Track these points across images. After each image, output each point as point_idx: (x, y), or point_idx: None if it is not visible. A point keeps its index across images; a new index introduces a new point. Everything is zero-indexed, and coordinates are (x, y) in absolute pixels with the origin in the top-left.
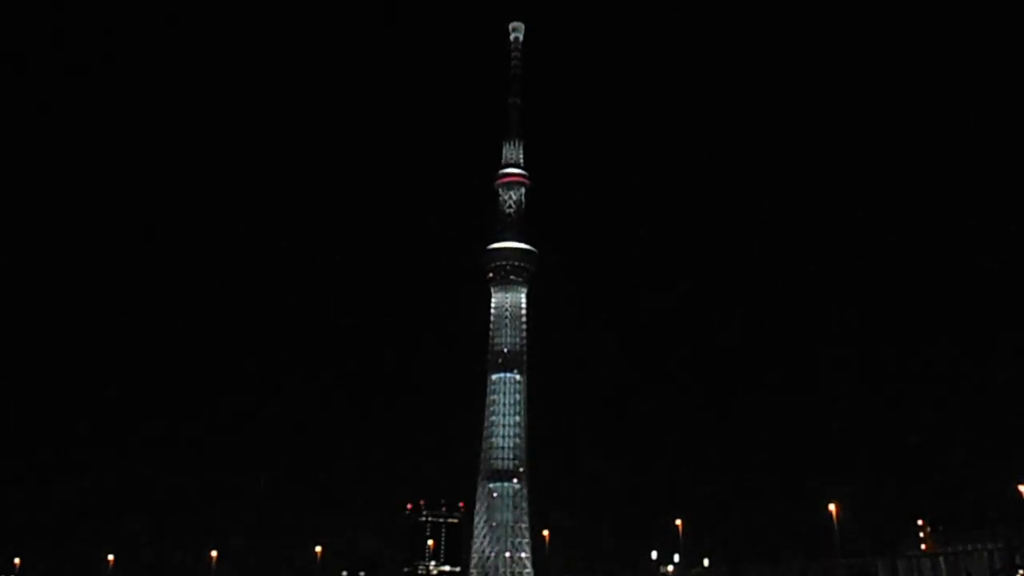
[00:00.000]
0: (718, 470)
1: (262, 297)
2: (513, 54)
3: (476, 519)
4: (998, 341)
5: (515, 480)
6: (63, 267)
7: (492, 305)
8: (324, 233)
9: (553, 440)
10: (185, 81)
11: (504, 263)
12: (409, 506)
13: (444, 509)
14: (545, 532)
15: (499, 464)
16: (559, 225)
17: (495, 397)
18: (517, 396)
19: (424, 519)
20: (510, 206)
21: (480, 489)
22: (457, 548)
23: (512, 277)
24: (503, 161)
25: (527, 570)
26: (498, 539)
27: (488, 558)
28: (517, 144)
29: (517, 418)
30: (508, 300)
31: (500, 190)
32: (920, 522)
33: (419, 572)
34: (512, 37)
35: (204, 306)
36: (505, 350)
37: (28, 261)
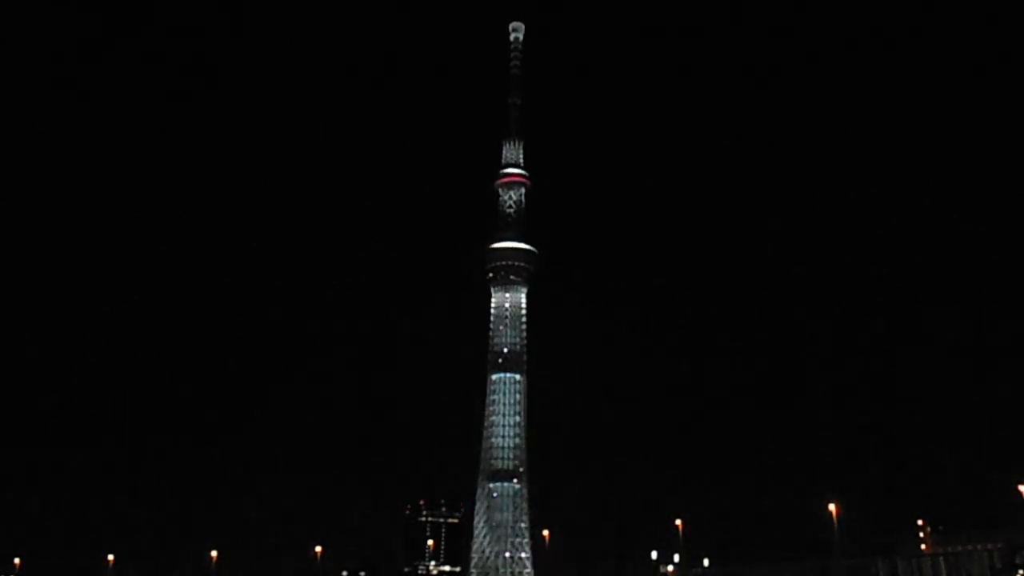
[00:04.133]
0: (718, 470)
1: (263, 297)
2: (513, 54)
3: (476, 519)
4: (998, 341)
5: (515, 480)
6: (62, 269)
7: (492, 305)
8: (324, 233)
9: (553, 440)
10: (185, 82)
11: (504, 263)
12: (409, 506)
13: (444, 509)
14: (545, 532)
15: (499, 464)
16: (559, 225)
17: (495, 397)
18: (517, 396)
19: (424, 519)
20: (510, 206)
21: (480, 489)
22: (457, 548)
23: (512, 277)
24: (503, 161)
25: (527, 570)
26: (498, 539)
27: (488, 558)
28: (517, 144)
29: (517, 418)
30: (508, 300)
31: (500, 190)
32: (920, 522)
33: (419, 572)
34: (512, 37)
35: (204, 307)
36: (505, 350)
37: (27, 262)
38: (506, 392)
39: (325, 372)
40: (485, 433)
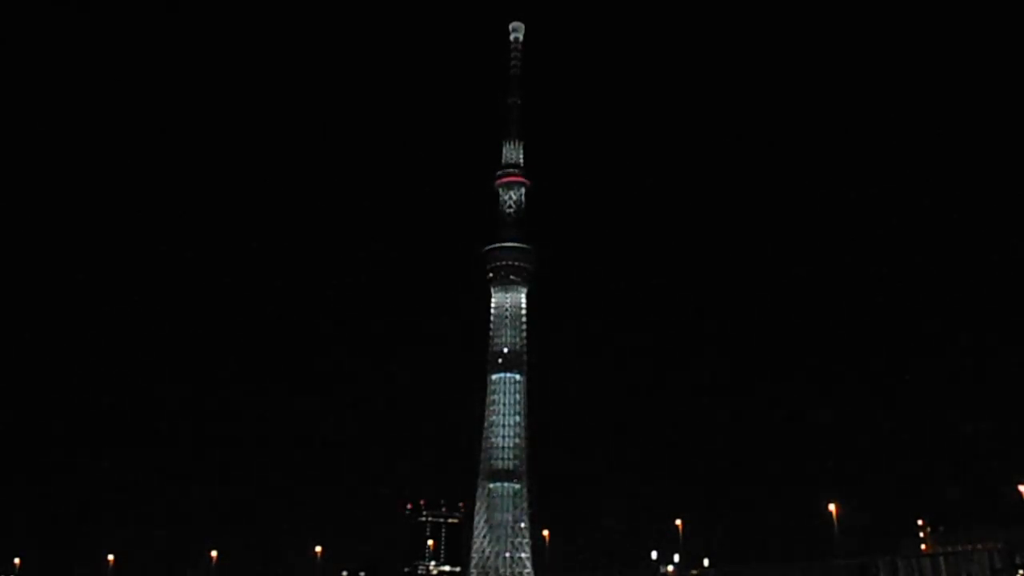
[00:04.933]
0: (718, 470)
1: (263, 297)
2: (513, 54)
3: (476, 519)
4: (998, 340)
5: (515, 480)
6: (63, 269)
7: (492, 305)
8: (324, 233)
9: (553, 440)
10: (184, 81)
11: (504, 263)
12: (409, 506)
13: (444, 509)
14: (545, 532)
15: (499, 464)
16: (559, 225)
17: (495, 397)
18: (517, 396)
19: (424, 519)
20: (510, 206)
21: (480, 489)
22: (457, 548)
23: (512, 277)
24: (503, 161)
25: (527, 570)
26: (498, 539)
27: (488, 558)
28: (517, 144)
29: (517, 418)
30: (508, 300)
31: (500, 190)
32: (920, 522)
33: (419, 572)
34: (512, 37)
35: (204, 306)
36: (505, 350)
37: (27, 262)
38: (506, 392)
39: (325, 372)
40: (485, 433)
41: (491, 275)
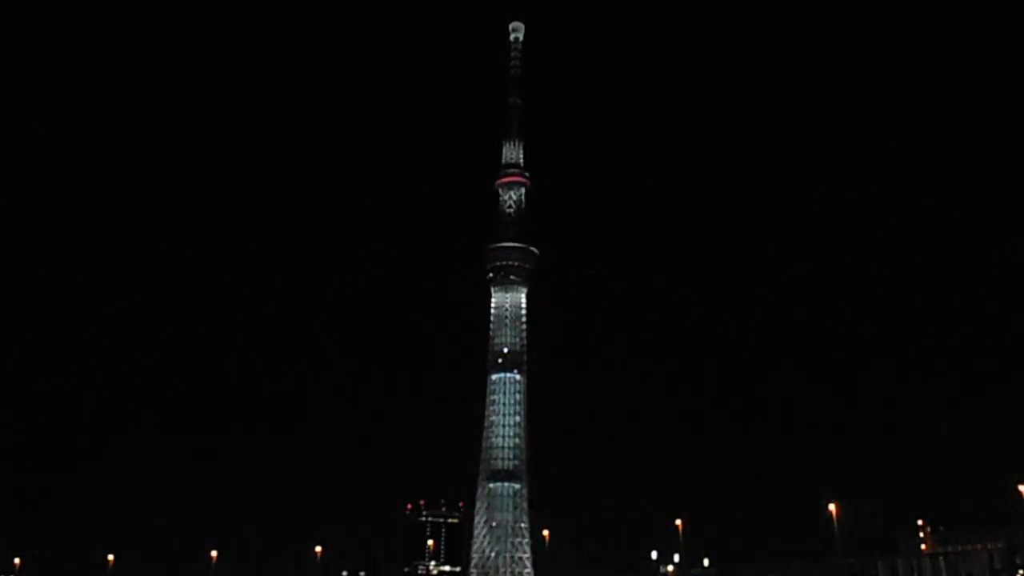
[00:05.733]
0: (718, 470)
1: (263, 297)
2: (513, 54)
3: (476, 519)
4: (998, 340)
5: (515, 480)
6: (63, 269)
7: (492, 305)
8: (324, 233)
9: (553, 440)
10: (184, 81)
11: (504, 263)
12: (409, 506)
13: (444, 509)
14: (545, 532)
15: (499, 464)
16: (559, 225)
17: (495, 397)
18: (517, 396)
19: (424, 519)
20: (510, 206)
21: (480, 489)
22: (457, 548)
23: (512, 277)
24: (503, 161)
25: (527, 570)
26: (498, 539)
27: (488, 558)
28: (517, 144)
29: (517, 418)
30: (508, 300)
31: (500, 190)
32: (920, 522)
33: (419, 572)
34: (512, 37)
35: (204, 307)
36: (505, 350)
37: (28, 262)
38: (506, 392)
39: (325, 372)
40: (485, 433)
41: (491, 275)
